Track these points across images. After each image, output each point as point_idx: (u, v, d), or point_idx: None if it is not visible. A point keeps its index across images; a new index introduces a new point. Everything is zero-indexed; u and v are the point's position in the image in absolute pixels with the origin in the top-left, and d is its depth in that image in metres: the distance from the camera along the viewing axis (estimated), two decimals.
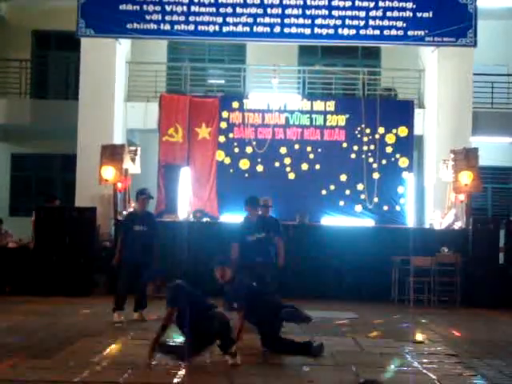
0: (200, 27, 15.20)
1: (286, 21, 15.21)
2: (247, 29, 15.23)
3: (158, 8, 15.10)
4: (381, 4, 15.16)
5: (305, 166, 16.74)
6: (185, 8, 15.15)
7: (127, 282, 10.16)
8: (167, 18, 15.14)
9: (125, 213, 13.47)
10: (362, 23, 15.18)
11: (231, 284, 7.64)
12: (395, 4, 15.15)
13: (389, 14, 15.17)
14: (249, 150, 16.76)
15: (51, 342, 8.21)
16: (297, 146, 16.81)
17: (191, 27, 15.19)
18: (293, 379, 6.66)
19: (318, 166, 16.73)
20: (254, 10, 15.17)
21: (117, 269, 10.43)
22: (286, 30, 15.25)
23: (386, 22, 15.18)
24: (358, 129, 16.76)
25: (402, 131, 16.83)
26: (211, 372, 6.85)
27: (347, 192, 16.68)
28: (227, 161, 16.77)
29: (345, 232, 14.16)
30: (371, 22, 15.17)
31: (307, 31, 15.26)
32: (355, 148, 16.75)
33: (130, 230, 10.32)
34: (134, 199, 10.93)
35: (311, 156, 16.78)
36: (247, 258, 9.80)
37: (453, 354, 8.00)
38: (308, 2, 15.16)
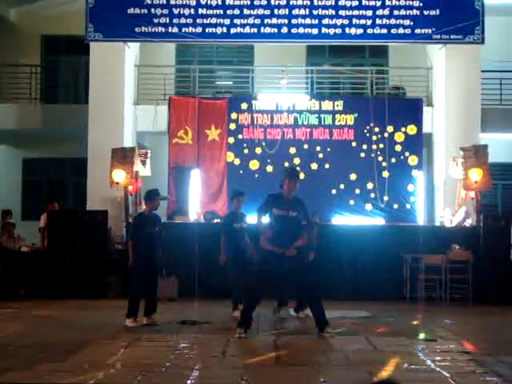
0: (208, 29, 15.26)
1: (294, 21, 15.25)
2: (255, 30, 15.28)
3: (165, 11, 15.17)
4: (388, 3, 15.19)
5: (314, 166, 16.78)
6: (192, 10, 15.22)
7: (141, 287, 10.03)
8: (175, 20, 15.21)
9: (134, 215, 13.28)
10: (369, 22, 15.20)
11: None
12: (402, 2, 15.18)
13: (396, 12, 15.19)
14: (258, 150, 16.82)
15: (66, 344, 8.26)
16: (306, 146, 16.85)
17: (199, 29, 15.25)
18: (306, 378, 6.69)
19: (327, 166, 16.78)
20: (261, 11, 15.22)
21: (130, 272, 10.24)
22: (294, 31, 15.29)
23: (393, 21, 15.20)
24: (367, 128, 16.79)
25: (411, 129, 16.84)
26: None
27: (357, 191, 16.71)
28: (237, 162, 16.82)
29: (355, 231, 14.17)
30: (378, 21, 15.19)
31: (314, 31, 15.30)
32: (364, 147, 16.78)
33: (142, 233, 10.11)
34: (148, 201, 10.64)
35: (320, 156, 16.81)
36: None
37: (465, 352, 8.00)
38: (315, 2, 15.21)
